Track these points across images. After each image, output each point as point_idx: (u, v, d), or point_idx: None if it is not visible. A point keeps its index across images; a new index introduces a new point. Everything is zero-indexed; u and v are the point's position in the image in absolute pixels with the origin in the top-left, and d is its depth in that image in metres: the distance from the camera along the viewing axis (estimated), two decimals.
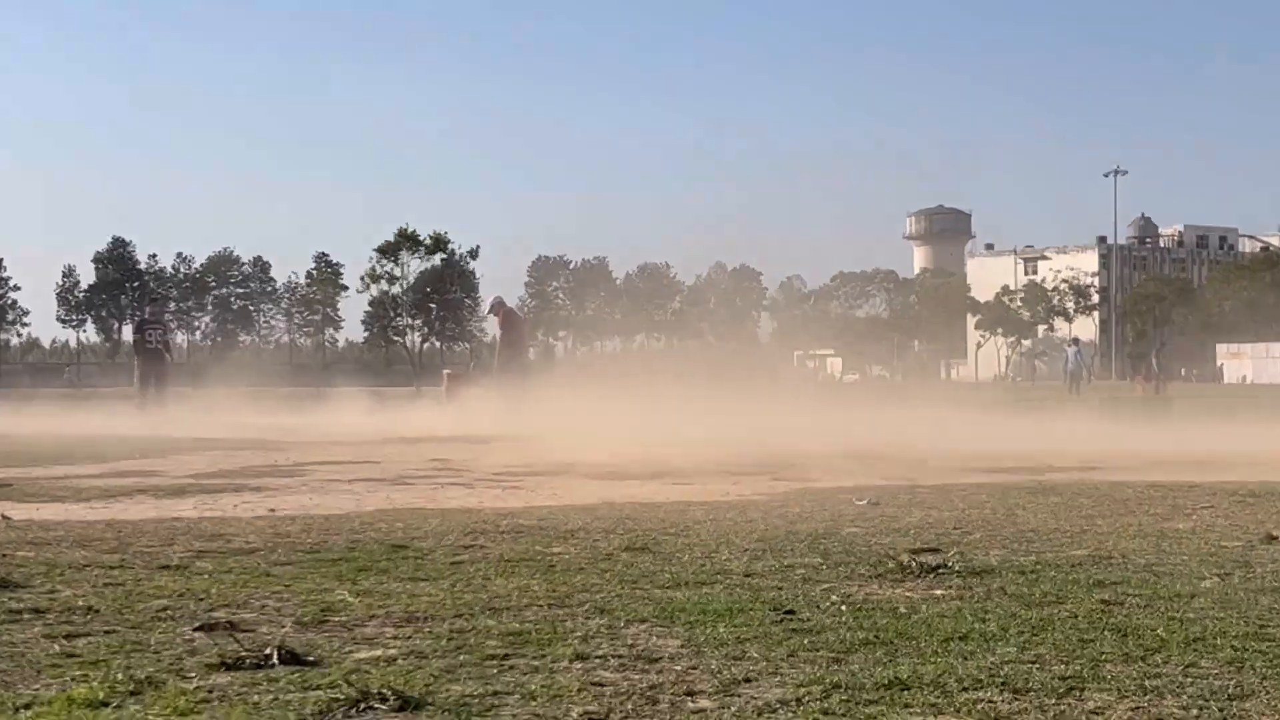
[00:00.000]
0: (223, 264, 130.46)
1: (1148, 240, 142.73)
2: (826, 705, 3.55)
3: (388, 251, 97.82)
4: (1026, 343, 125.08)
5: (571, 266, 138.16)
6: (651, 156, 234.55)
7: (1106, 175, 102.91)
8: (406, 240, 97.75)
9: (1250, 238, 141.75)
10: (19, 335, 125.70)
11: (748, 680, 3.81)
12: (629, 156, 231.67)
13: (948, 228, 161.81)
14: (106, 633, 4.49)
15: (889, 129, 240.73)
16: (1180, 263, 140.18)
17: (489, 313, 29.33)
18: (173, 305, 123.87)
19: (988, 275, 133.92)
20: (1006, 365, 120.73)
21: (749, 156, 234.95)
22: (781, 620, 4.67)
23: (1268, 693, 3.69)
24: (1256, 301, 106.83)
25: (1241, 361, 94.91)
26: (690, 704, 3.59)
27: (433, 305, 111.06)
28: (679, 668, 3.97)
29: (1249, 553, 6.50)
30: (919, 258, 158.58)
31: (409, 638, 4.41)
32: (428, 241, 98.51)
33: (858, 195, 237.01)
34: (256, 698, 3.62)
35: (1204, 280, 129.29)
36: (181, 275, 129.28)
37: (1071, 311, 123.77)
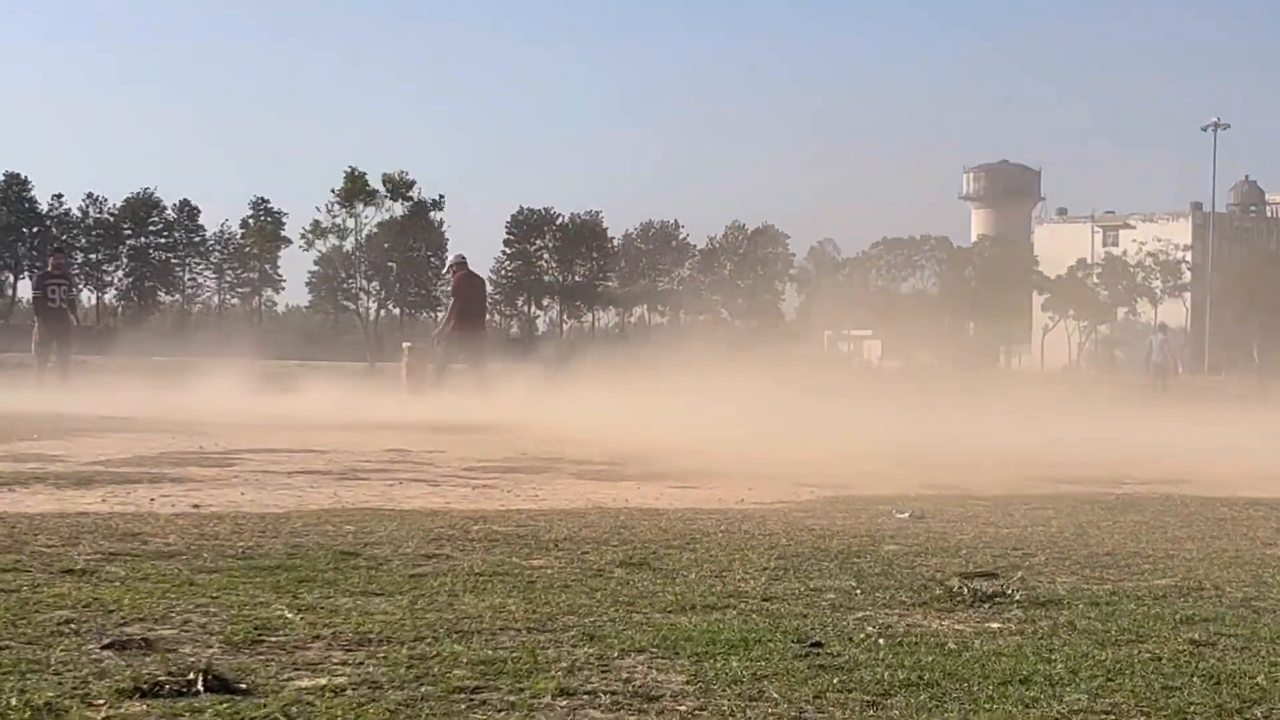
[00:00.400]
0: (142, 208, 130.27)
1: (1252, 209, 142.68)
2: None
3: (344, 198, 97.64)
4: (1103, 328, 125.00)
5: (559, 222, 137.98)
6: (659, 93, 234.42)
7: (1205, 130, 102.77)
8: (357, 185, 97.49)
9: None
10: None
11: None
12: (632, 92, 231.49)
13: (1012, 187, 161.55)
14: None
15: (944, 65, 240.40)
16: None
17: (445, 272, 29.46)
18: (80, 256, 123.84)
19: (1059, 246, 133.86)
20: (1078, 354, 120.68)
21: (774, 97, 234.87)
22: (806, 654, 4.68)
23: None
24: None
25: None
26: None
27: (392, 264, 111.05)
28: (683, 709, 3.98)
29: None
30: (977, 222, 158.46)
31: (360, 664, 4.41)
32: (385, 187, 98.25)
33: (905, 145, 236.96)
34: None
35: None
36: (91, 220, 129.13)
37: (1158, 292, 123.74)
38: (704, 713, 3.94)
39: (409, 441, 15.64)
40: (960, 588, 5.93)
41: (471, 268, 28.83)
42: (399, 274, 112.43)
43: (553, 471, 12.37)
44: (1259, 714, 4.08)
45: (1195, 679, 4.47)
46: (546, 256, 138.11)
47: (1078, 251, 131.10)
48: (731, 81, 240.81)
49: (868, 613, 5.53)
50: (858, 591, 6.01)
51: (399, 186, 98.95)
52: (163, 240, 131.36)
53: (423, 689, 4.10)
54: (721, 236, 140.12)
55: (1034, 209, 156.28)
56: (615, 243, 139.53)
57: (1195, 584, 6.48)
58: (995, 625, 5.33)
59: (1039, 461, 14.64)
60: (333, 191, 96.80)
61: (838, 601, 5.75)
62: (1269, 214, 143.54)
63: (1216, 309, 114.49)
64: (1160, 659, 4.77)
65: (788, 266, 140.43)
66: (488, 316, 28.62)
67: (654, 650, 4.70)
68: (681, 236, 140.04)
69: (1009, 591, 5.94)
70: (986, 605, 5.69)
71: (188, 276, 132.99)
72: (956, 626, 5.30)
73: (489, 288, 28.79)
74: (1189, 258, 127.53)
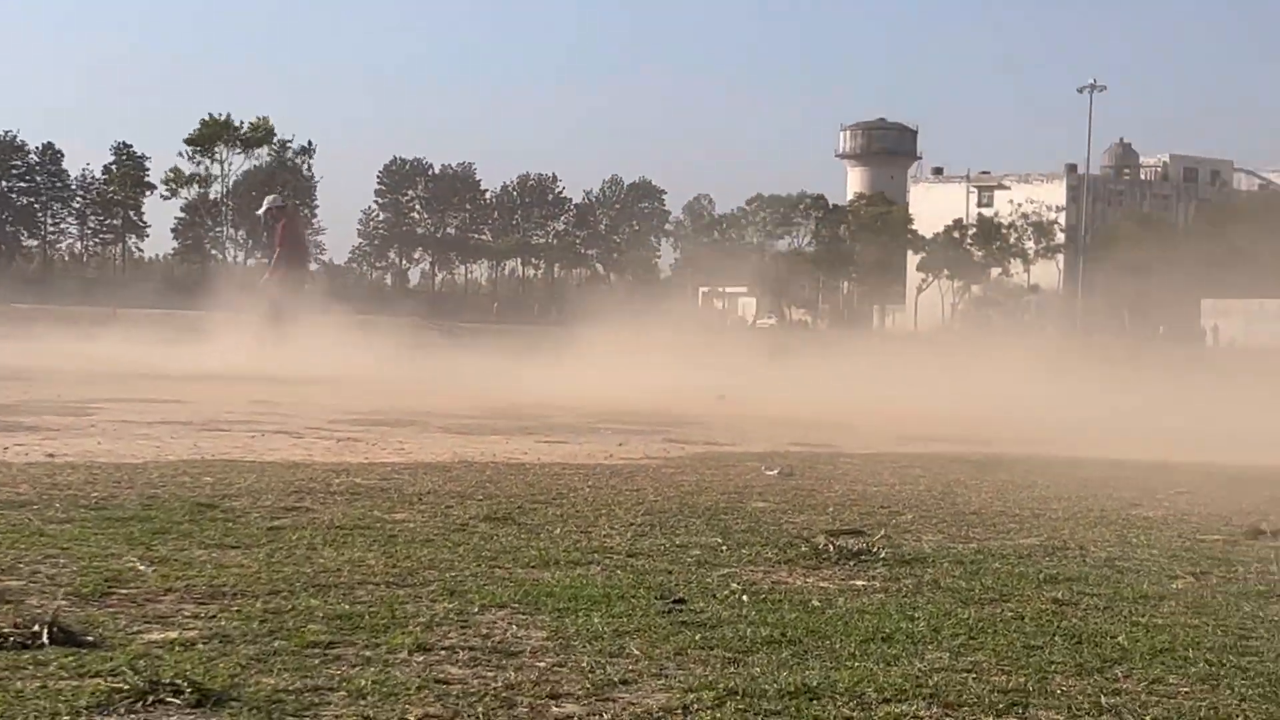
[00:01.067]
0: (3, 151, 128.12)
1: (1126, 171, 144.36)
2: (719, 715, 3.55)
3: (199, 144, 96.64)
4: (976, 288, 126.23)
5: (432, 173, 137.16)
6: (536, 44, 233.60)
7: (1081, 91, 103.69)
8: (220, 130, 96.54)
9: (1248, 173, 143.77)
10: None
11: (625, 682, 3.81)
12: (508, 43, 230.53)
13: (889, 146, 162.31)
14: None
15: (821, 21, 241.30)
16: (1164, 199, 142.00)
17: (262, 212, 28.94)
18: None
19: (934, 205, 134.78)
20: (951, 314, 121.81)
21: (653, 49, 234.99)
22: (669, 611, 4.67)
23: (1246, 716, 3.74)
24: (1251, 249, 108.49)
25: (1230, 319, 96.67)
26: (554, 709, 3.58)
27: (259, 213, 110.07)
28: (542, 665, 3.96)
29: (1230, 549, 6.60)
30: (853, 181, 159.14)
31: (213, 617, 4.35)
32: (248, 132, 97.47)
33: (783, 102, 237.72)
34: (20, 684, 3.56)
35: (1191, 221, 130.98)
36: None
37: (1031, 253, 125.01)
38: (563, 669, 3.92)
39: (275, 393, 15.50)
40: (826, 545, 5.95)
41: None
42: (267, 222, 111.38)
43: (419, 425, 12.31)
44: (1119, 673, 4.11)
45: (1057, 638, 4.51)
46: (419, 208, 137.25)
47: (953, 211, 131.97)
48: (610, 36, 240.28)
49: (732, 569, 5.53)
50: (723, 548, 6.02)
51: (261, 133, 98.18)
52: (24, 185, 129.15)
53: (276, 643, 4.05)
54: (598, 191, 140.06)
55: (910, 168, 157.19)
56: (490, 195, 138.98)
57: (1060, 543, 6.54)
58: (860, 583, 5.35)
59: (909, 418, 14.76)
60: (186, 142, 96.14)
61: (703, 558, 5.76)
62: (1143, 176, 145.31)
63: (1089, 271, 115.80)
64: (1023, 618, 4.80)
65: (664, 222, 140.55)
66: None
67: (515, 606, 4.68)
68: (558, 190, 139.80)
69: (875, 549, 5.97)
70: (852, 563, 5.71)
71: (50, 222, 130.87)
72: (821, 584, 5.31)
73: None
74: (1063, 219, 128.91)
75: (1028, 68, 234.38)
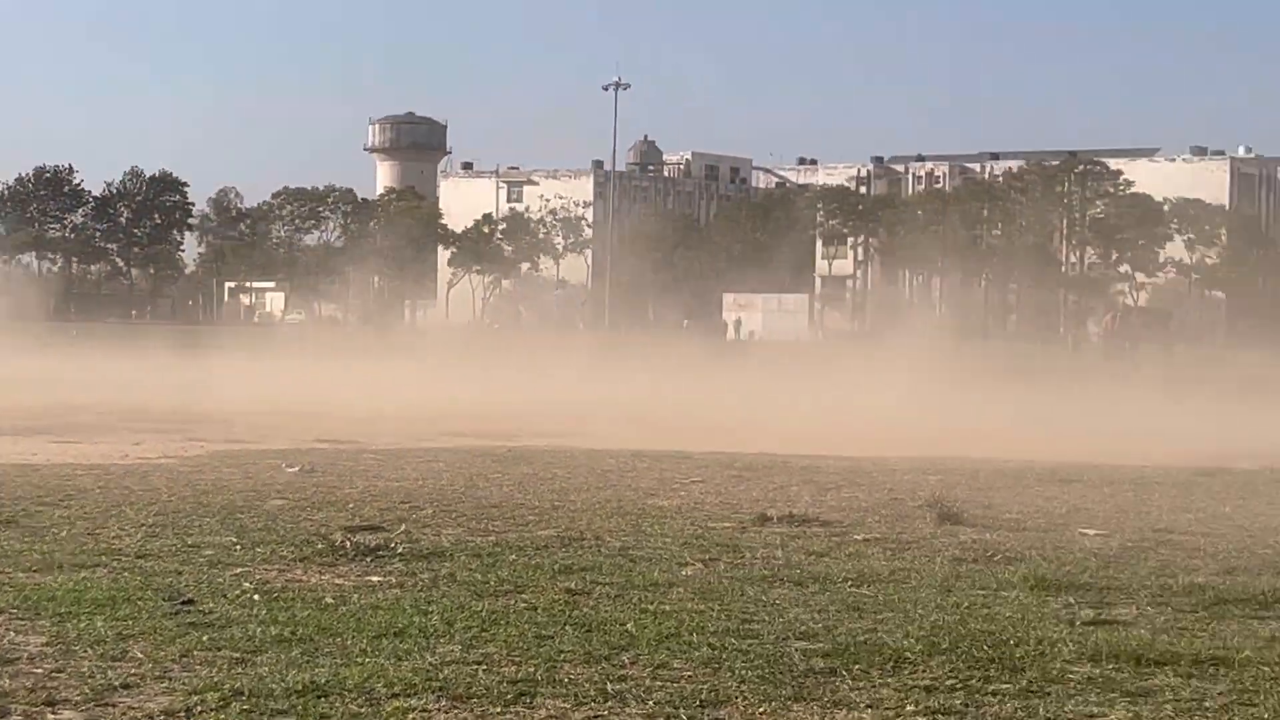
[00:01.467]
0: None
1: (650, 168, 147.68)
2: (223, 717, 3.50)
3: None
4: (507, 283, 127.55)
5: None
6: (52, 27, 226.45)
7: (606, 89, 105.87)
8: None
9: (765, 171, 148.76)
10: None
11: (126, 686, 3.73)
12: (17, 25, 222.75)
13: (419, 141, 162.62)
14: None
15: (347, 13, 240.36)
16: (687, 196, 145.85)
17: None
18: None
19: (465, 201, 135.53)
20: (483, 309, 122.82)
21: (179, 37, 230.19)
22: (177, 612, 4.59)
23: (745, 698, 3.87)
24: (769, 245, 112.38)
25: (751, 313, 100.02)
26: (50, 716, 3.49)
27: None
28: (40, 671, 3.84)
29: (739, 535, 6.84)
30: (383, 175, 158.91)
31: None
32: None
33: (310, 93, 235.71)
34: None
35: (713, 218, 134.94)
36: None
37: (561, 248, 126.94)
38: (62, 674, 3.81)
39: None
40: (344, 542, 5.95)
41: None
42: None
43: None
44: (626, 659, 4.21)
45: (568, 627, 4.59)
46: None
47: (483, 207, 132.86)
48: (136, 20, 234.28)
49: (246, 568, 5.48)
50: (238, 547, 5.95)
51: None
52: None
53: None
54: (119, 183, 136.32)
55: (440, 163, 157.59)
56: (2, 186, 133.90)
57: (577, 534, 6.67)
58: (376, 579, 5.35)
59: (436, 414, 14.83)
60: None
61: (216, 558, 5.68)
62: (667, 174, 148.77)
63: (616, 266, 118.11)
64: (536, 608, 4.88)
65: (187, 215, 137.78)
66: None
67: (14, 611, 4.53)
68: (76, 182, 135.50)
69: (393, 544, 5.99)
70: (369, 559, 5.72)
71: None
72: (336, 580, 5.30)
73: None
74: (590, 215, 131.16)
75: (556, 64, 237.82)
